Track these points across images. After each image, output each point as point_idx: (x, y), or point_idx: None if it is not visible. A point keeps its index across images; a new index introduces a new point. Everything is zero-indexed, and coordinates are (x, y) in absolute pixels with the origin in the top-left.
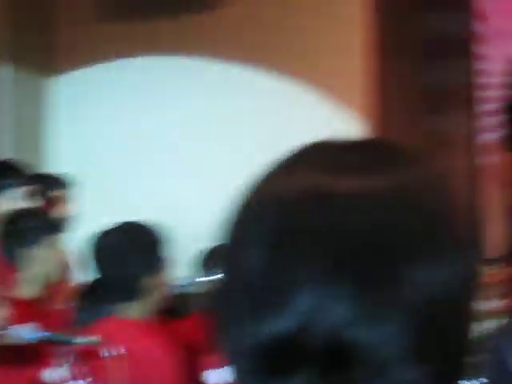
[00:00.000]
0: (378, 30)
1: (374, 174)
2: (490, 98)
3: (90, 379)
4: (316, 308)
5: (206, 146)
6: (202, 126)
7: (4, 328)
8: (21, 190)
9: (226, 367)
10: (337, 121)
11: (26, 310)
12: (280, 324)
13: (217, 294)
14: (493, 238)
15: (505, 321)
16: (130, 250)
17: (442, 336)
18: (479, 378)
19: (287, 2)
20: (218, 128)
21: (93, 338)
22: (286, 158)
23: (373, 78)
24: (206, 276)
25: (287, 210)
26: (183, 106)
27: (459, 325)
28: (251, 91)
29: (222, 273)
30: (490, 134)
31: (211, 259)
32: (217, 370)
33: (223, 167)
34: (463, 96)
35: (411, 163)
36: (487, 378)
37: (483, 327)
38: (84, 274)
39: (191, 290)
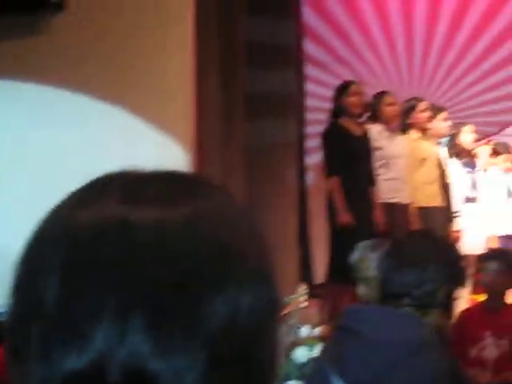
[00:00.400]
0: (202, 56)
1: (170, 206)
2: (317, 120)
3: None
4: (113, 341)
5: (26, 174)
6: (25, 155)
7: None
8: None
9: None
10: (156, 146)
11: None
12: (78, 359)
13: (9, 326)
14: (319, 261)
15: (324, 345)
16: None
17: (242, 364)
18: None
19: (117, 33)
20: (40, 157)
21: None
22: (83, 187)
23: (193, 96)
24: None
25: (80, 242)
26: (5, 133)
27: (262, 352)
28: (77, 121)
29: (13, 305)
30: (315, 155)
31: None
32: None
33: (46, 200)
34: (291, 113)
35: (209, 195)
36: None
37: (308, 352)
38: None
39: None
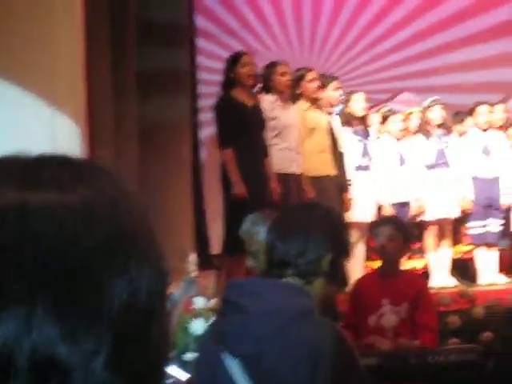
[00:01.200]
0: (92, 23)
1: (67, 190)
2: (210, 93)
3: None
4: (21, 327)
5: None
6: None
7: None
8: None
9: None
10: (48, 125)
11: None
12: None
13: None
14: (215, 234)
15: (214, 317)
16: None
17: (143, 343)
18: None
19: (12, 14)
20: None
21: None
22: None
23: (83, 74)
24: None
25: None
26: None
27: (158, 328)
28: None
29: None
30: (209, 128)
31: None
32: None
33: None
34: (184, 87)
35: (101, 178)
36: (197, 371)
37: (204, 324)
38: None
39: None
